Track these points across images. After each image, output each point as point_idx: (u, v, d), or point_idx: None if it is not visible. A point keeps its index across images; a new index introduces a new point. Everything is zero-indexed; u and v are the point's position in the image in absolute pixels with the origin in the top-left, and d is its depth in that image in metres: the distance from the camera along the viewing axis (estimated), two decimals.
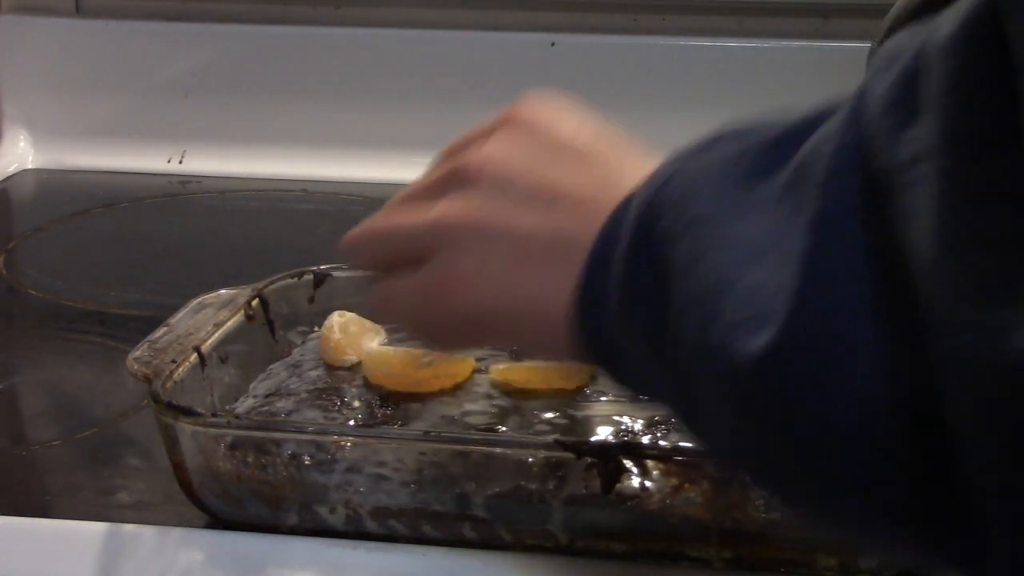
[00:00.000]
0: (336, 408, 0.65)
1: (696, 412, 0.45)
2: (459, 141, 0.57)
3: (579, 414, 0.64)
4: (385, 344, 0.71)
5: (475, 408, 0.65)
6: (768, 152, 0.44)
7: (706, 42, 1.21)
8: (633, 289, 0.46)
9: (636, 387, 0.51)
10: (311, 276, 0.78)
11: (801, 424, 0.40)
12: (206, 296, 0.74)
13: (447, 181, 0.55)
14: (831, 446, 0.40)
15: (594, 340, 0.49)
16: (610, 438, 0.62)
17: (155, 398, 0.63)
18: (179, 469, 0.64)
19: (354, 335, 0.71)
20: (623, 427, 0.63)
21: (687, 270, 0.44)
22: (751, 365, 0.40)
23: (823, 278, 0.40)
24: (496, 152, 0.54)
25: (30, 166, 1.28)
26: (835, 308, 0.39)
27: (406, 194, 0.58)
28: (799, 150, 0.42)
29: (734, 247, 0.43)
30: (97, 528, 0.65)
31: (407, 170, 1.23)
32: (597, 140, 0.54)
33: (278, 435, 0.63)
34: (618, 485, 0.60)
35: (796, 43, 1.19)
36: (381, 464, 0.61)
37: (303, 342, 0.76)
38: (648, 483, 0.59)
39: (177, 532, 0.64)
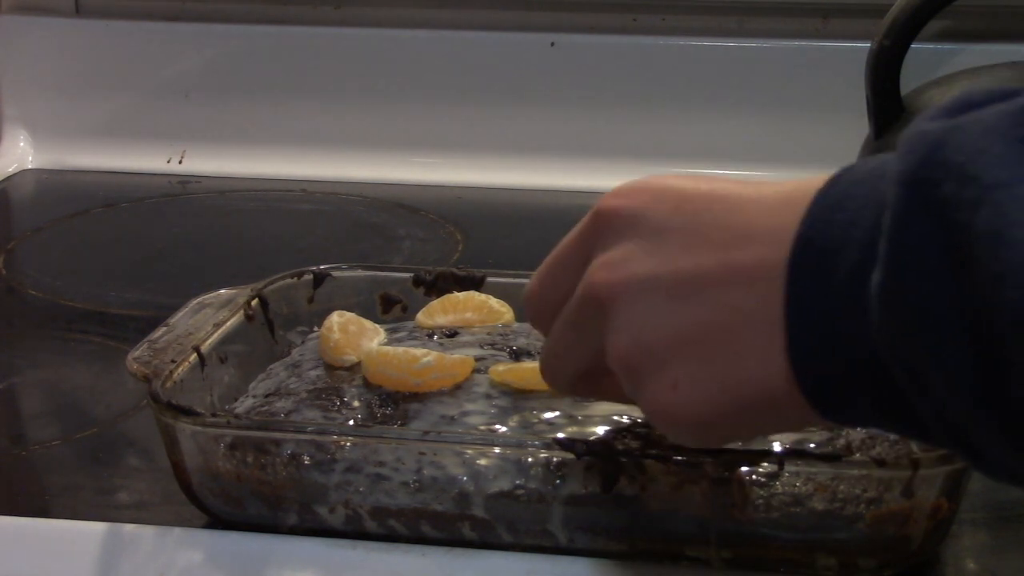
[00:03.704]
0: (335, 408, 0.65)
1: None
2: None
3: (579, 414, 0.64)
4: (385, 344, 0.71)
5: (475, 408, 0.64)
6: None
7: (706, 42, 1.21)
8: (905, 268, 0.42)
9: (918, 402, 0.43)
10: (311, 276, 0.78)
11: None
12: (206, 296, 0.74)
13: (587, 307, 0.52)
14: None
15: (832, 374, 0.45)
16: (610, 438, 0.62)
17: (155, 398, 0.63)
18: (178, 469, 0.64)
19: (354, 335, 0.71)
20: (623, 427, 0.63)
21: (997, 236, 0.39)
22: None
23: None
24: (629, 258, 0.51)
25: (30, 166, 1.28)
26: None
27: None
28: None
29: None
30: (97, 528, 0.65)
31: (407, 170, 1.24)
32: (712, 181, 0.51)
33: (277, 435, 0.63)
34: (618, 485, 0.60)
35: (796, 43, 1.19)
36: (380, 464, 0.61)
37: (303, 342, 0.76)
38: (648, 483, 0.59)
39: (176, 532, 0.64)
